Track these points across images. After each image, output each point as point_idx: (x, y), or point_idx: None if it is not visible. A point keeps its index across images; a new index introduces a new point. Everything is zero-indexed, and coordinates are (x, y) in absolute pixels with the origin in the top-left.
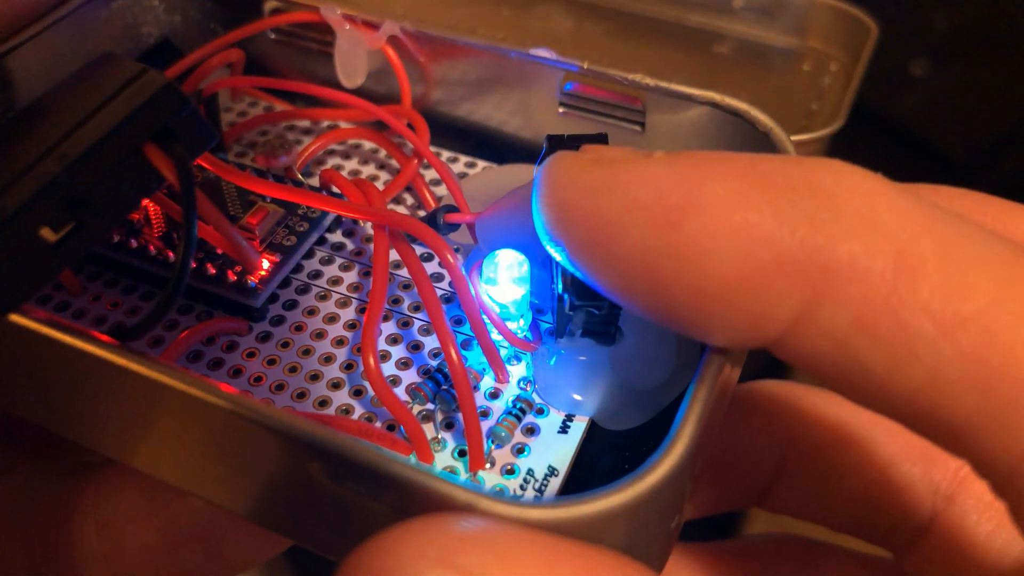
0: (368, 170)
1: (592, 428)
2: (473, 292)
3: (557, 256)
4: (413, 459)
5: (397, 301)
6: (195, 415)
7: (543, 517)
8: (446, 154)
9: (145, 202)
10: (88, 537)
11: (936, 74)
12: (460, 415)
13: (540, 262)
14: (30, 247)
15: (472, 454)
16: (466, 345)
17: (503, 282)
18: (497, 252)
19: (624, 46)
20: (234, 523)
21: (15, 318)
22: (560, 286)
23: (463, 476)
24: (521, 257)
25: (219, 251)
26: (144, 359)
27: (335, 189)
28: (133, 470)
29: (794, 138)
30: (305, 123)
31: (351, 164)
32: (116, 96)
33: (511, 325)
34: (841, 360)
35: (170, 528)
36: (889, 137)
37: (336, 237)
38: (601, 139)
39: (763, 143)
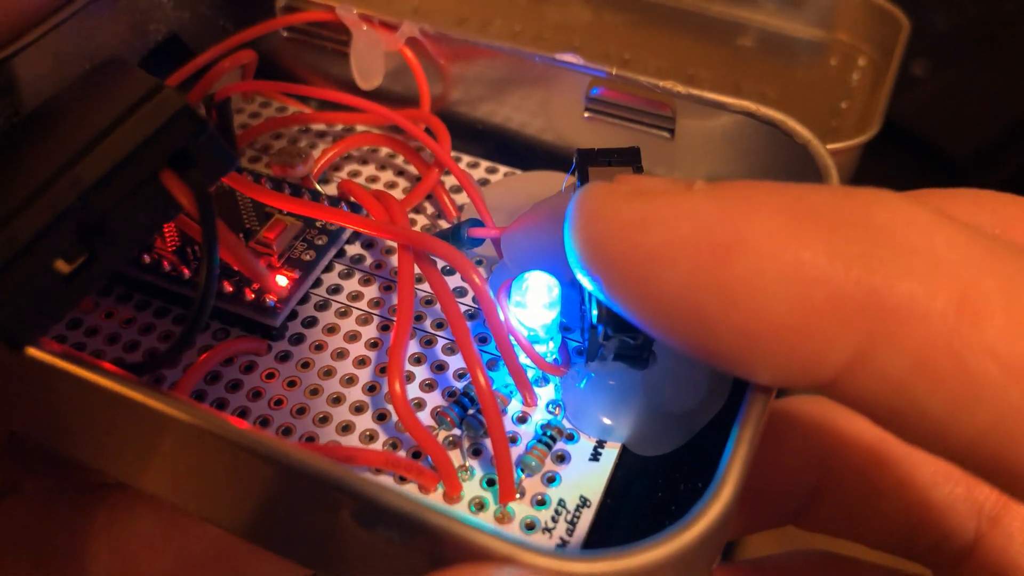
0: (386, 176)
1: (623, 453)
2: (501, 314)
3: (590, 286)
4: (450, 509)
5: (420, 318)
6: (211, 448)
7: (587, 571)
8: (466, 159)
9: None
10: (101, 561)
11: (936, 74)
12: (487, 442)
13: (569, 281)
14: (44, 279)
15: (502, 485)
16: (492, 365)
17: (533, 306)
18: (526, 276)
19: (644, 37)
20: (252, 550)
21: (31, 351)
22: (595, 316)
23: (493, 507)
24: (552, 281)
25: (235, 267)
26: (162, 395)
27: (353, 200)
28: (147, 495)
29: (829, 147)
30: (320, 126)
31: (368, 170)
32: (131, 114)
33: (539, 348)
34: (898, 404)
35: (186, 554)
36: (889, 137)
37: (355, 249)
38: (634, 153)
39: (799, 154)
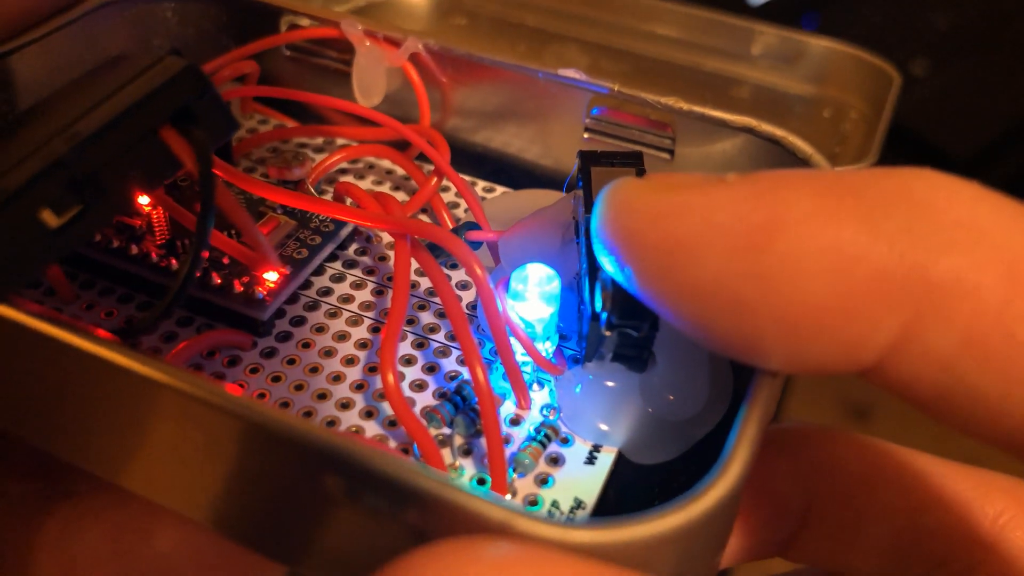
0: (383, 190)
1: (620, 461)
2: (500, 306)
3: (617, 278)
4: (441, 473)
5: (412, 321)
6: (199, 420)
7: (587, 540)
8: (463, 178)
9: (148, 209)
10: (48, 574)
11: (936, 74)
12: (479, 442)
13: (566, 283)
14: (29, 231)
15: (494, 482)
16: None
17: (532, 298)
18: (527, 266)
19: (640, 87)
20: (202, 569)
21: (5, 310)
22: (599, 304)
23: None
24: (551, 272)
25: (225, 260)
26: (146, 358)
27: (350, 203)
28: (101, 504)
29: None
30: (318, 141)
31: (365, 184)
32: (135, 79)
33: (537, 346)
34: (947, 384)
35: (130, 573)
36: (889, 137)
37: (348, 255)
38: (636, 158)
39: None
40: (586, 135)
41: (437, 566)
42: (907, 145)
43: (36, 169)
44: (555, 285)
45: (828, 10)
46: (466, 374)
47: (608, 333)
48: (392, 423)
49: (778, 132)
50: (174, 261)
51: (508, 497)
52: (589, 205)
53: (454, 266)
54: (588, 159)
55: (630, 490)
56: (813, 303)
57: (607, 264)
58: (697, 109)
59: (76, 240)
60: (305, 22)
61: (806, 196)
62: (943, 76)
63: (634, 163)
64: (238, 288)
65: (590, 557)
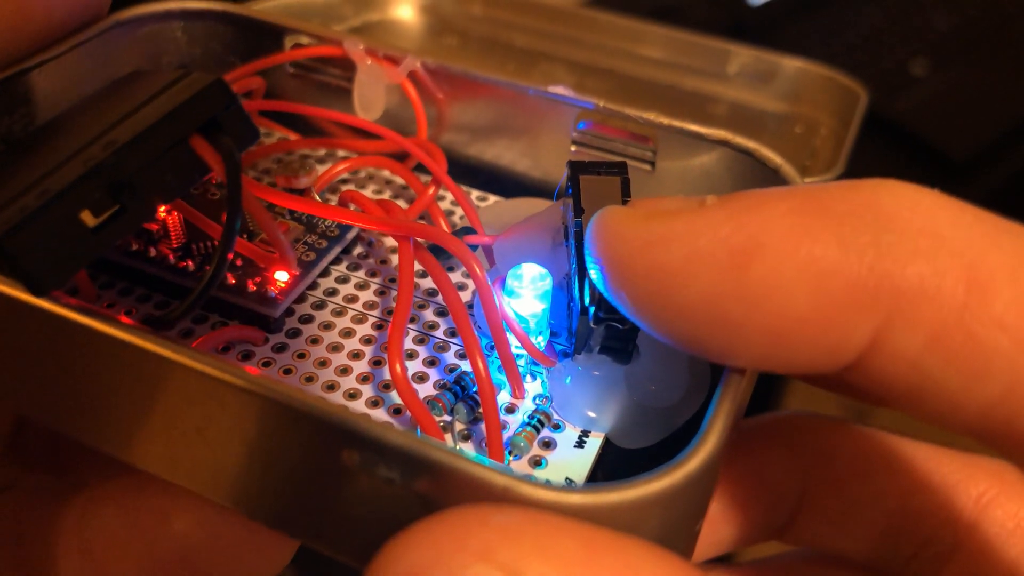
0: (384, 198)
1: (607, 446)
2: (497, 301)
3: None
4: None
5: (413, 319)
6: (224, 400)
7: (582, 503)
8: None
9: (164, 214)
10: (71, 561)
11: (936, 74)
12: (478, 428)
13: (556, 284)
14: (71, 230)
15: (492, 458)
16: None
17: (526, 295)
18: (521, 265)
19: (622, 105)
20: (218, 549)
21: (45, 303)
22: (588, 298)
23: None
24: (544, 271)
25: (238, 262)
26: (175, 344)
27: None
28: (117, 489)
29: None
30: (320, 153)
31: (367, 193)
32: (165, 91)
33: (531, 340)
34: (915, 381)
35: (149, 555)
36: (889, 137)
37: (352, 257)
38: (621, 167)
39: (773, 180)
40: (573, 148)
41: (447, 530)
42: (907, 145)
43: (79, 172)
44: (547, 283)
45: (828, 10)
46: (464, 367)
47: (595, 326)
48: (397, 411)
49: (751, 144)
50: (190, 263)
51: None
52: (578, 210)
53: (451, 268)
54: (576, 168)
55: (616, 472)
56: (794, 316)
57: (600, 286)
58: (676, 124)
59: (112, 240)
60: (308, 40)
61: (780, 216)
62: (943, 76)
63: (619, 172)
64: (251, 287)
65: (585, 521)
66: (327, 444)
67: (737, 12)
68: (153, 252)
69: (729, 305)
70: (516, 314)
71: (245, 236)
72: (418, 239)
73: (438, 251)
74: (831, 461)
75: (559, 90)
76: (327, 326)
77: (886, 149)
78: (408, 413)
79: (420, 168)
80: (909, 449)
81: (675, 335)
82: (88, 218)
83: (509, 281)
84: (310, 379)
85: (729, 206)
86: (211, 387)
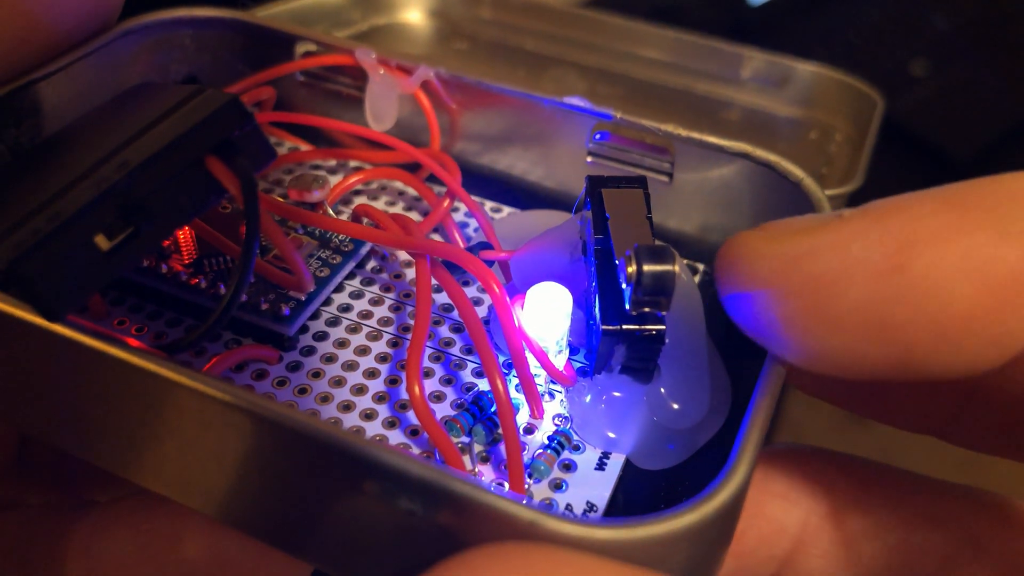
0: (396, 211)
1: (628, 468)
2: (516, 321)
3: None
4: (472, 476)
5: (429, 336)
6: (241, 429)
7: (610, 538)
8: (472, 199)
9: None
10: None
11: (936, 74)
12: (496, 449)
13: (575, 299)
14: (84, 254)
15: (513, 486)
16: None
17: (546, 315)
18: (541, 284)
19: (635, 110)
20: (231, 571)
21: (58, 328)
22: (623, 279)
23: None
24: (564, 290)
25: (251, 279)
26: (190, 371)
27: (367, 223)
28: (127, 511)
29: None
30: (331, 163)
31: (379, 205)
32: (178, 109)
33: (550, 359)
34: None
35: None
36: (889, 137)
37: (366, 272)
38: (640, 181)
39: (794, 194)
40: (589, 159)
41: (495, 566)
42: (907, 145)
43: (91, 195)
44: (568, 302)
45: (828, 10)
46: (481, 385)
47: (634, 312)
48: (414, 432)
49: (772, 158)
50: (202, 279)
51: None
52: (598, 226)
53: (466, 283)
54: (596, 183)
55: (637, 494)
56: (959, 310)
57: (743, 323)
58: (695, 136)
59: (125, 263)
60: (319, 49)
61: (929, 214)
62: (943, 76)
63: (639, 186)
64: (264, 305)
65: (625, 563)
66: (346, 473)
67: (737, 12)
68: (165, 269)
69: (889, 308)
70: (535, 334)
71: (263, 253)
72: (435, 256)
73: (454, 265)
74: (831, 494)
75: (575, 101)
76: (342, 343)
77: (886, 149)
78: (426, 434)
79: (433, 178)
80: (909, 483)
81: (830, 352)
82: (102, 241)
83: (528, 301)
84: (325, 399)
85: (872, 213)
86: (227, 414)
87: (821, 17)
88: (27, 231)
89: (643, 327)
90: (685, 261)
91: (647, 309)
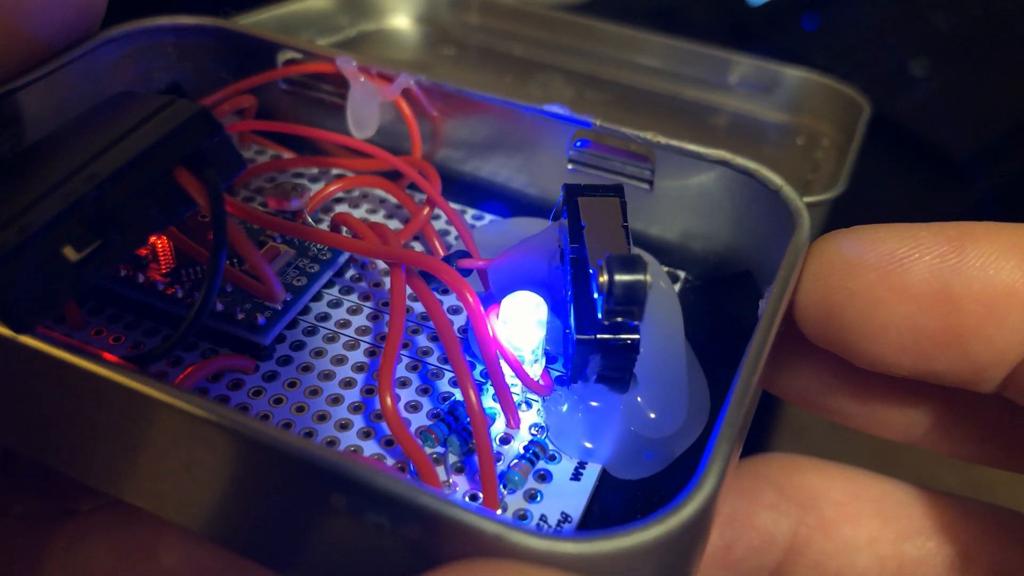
0: (376, 219)
1: (604, 477)
2: (491, 331)
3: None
4: (440, 490)
5: (406, 345)
6: (210, 441)
7: (577, 552)
8: (453, 206)
9: (153, 238)
10: None
11: (936, 74)
12: (471, 459)
13: (551, 308)
14: (52, 266)
15: (486, 497)
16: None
17: (521, 324)
18: (515, 293)
19: (622, 116)
20: None
21: (28, 340)
22: (595, 289)
23: None
24: (539, 299)
25: (227, 288)
26: (160, 383)
27: (346, 232)
28: (106, 521)
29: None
30: (313, 171)
31: (359, 213)
32: (147, 120)
33: (526, 369)
34: None
35: None
36: (889, 137)
37: (344, 281)
38: (617, 190)
39: (773, 201)
40: (570, 166)
41: None
42: (907, 145)
43: (59, 207)
44: (543, 311)
45: (828, 10)
46: (458, 395)
47: (606, 322)
48: (389, 442)
49: (751, 165)
50: (179, 289)
51: (499, 512)
52: (574, 235)
53: (446, 291)
54: (572, 191)
55: (614, 504)
56: (1005, 285)
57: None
58: (675, 143)
59: (94, 275)
60: (301, 56)
61: (981, 224)
62: (943, 76)
63: (616, 194)
64: (240, 315)
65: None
66: (315, 486)
67: (737, 12)
68: (142, 278)
69: (950, 277)
70: (510, 344)
71: (234, 261)
72: (411, 266)
73: (432, 276)
74: (821, 504)
75: (555, 109)
76: (318, 353)
77: (886, 149)
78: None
79: (415, 186)
80: (901, 494)
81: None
82: (70, 253)
83: (504, 311)
84: (301, 409)
85: (933, 225)
86: (196, 427)
87: (821, 17)
88: None
89: (617, 336)
90: (666, 268)
91: (620, 319)
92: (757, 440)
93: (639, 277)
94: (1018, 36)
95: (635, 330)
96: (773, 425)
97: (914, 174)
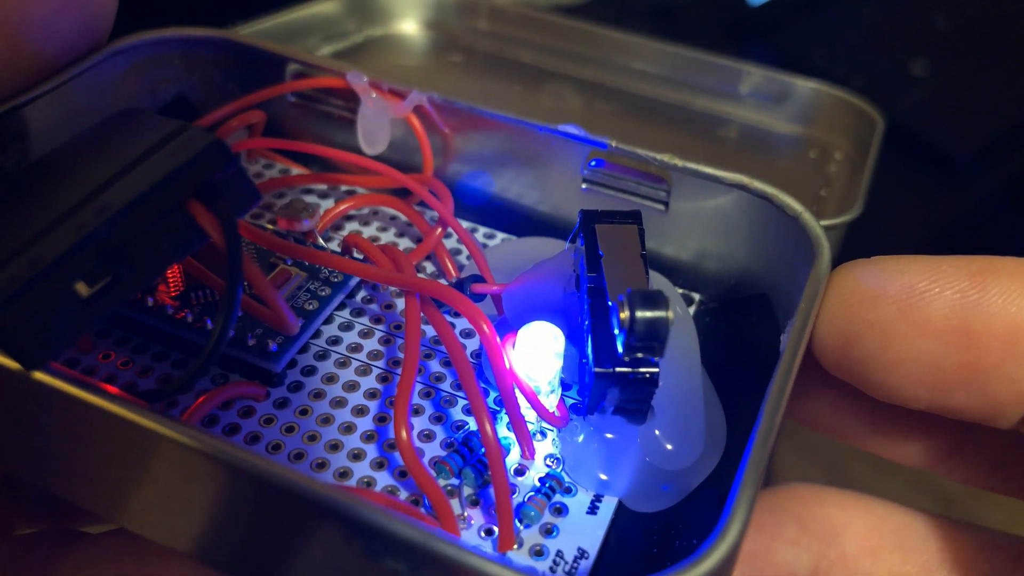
0: (387, 237)
1: (621, 510)
2: (507, 363)
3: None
4: (459, 539)
5: (419, 370)
6: (219, 479)
7: None
8: (465, 224)
9: None
10: None
11: (936, 74)
12: (486, 491)
13: (567, 335)
14: (63, 301)
15: (502, 533)
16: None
17: (538, 356)
18: (533, 324)
19: (632, 126)
20: None
21: (40, 376)
22: (616, 325)
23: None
24: (557, 330)
25: (257, 292)
26: (170, 420)
27: (357, 254)
28: (115, 547)
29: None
30: (322, 187)
31: (370, 231)
32: (159, 149)
33: (542, 400)
34: None
35: None
36: (889, 137)
37: (356, 302)
38: (636, 217)
39: (790, 226)
40: (584, 186)
41: None
42: (907, 145)
43: (71, 242)
44: (560, 343)
45: (828, 10)
46: (472, 424)
47: (627, 358)
48: (403, 474)
49: (769, 190)
50: (188, 313)
51: (515, 548)
52: (591, 264)
53: (457, 312)
54: (590, 217)
55: (630, 537)
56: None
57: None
58: (691, 166)
59: (107, 309)
60: (312, 71)
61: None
62: (943, 76)
63: (634, 221)
64: (251, 341)
65: None
66: (332, 532)
67: (737, 12)
68: (151, 301)
69: (971, 309)
70: (526, 375)
71: (245, 286)
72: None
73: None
74: (842, 538)
75: (569, 129)
76: (330, 379)
77: (886, 149)
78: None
79: (426, 203)
80: (922, 526)
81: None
82: (82, 288)
83: (520, 342)
84: (312, 438)
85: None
86: (204, 463)
87: (821, 18)
88: (4, 279)
89: (636, 370)
90: (680, 290)
91: (640, 355)
92: None
93: (661, 314)
94: (1018, 36)
95: (655, 364)
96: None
97: (914, 174)
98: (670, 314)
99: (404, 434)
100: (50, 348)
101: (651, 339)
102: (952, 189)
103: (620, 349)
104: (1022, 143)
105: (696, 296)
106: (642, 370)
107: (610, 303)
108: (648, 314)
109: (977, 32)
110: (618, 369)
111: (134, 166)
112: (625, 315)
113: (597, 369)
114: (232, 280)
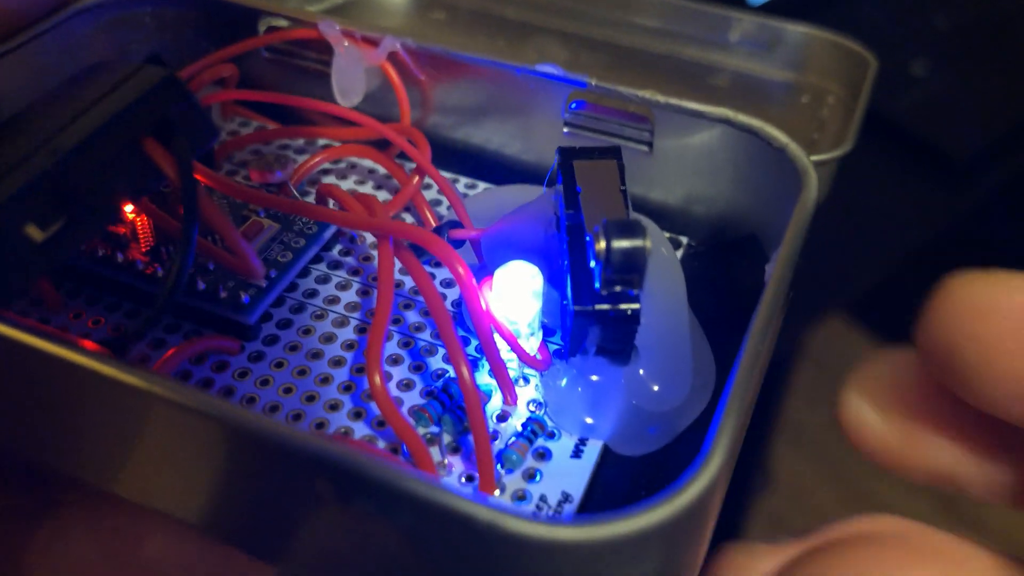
0: (365, 189)
1: (606, 454)
2: (484, 304)
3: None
4: (429, 475)
5: (397, 320)
6: (190, 428)
7: (574, 538)
8: (446, 175)
9: (132, 216)
10: None
11: (936, 74)
12: (466, 438)
13: (548, 279)
14: (14, 246)
15: (482, 478)
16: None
17: (516, 296)
18: (509, 263)
19: (620, 78)
20: (192, 572)
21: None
22: (592, 257)
23: None
24: (534, 269)
25: (210, 266)
26: (140, 370)
27: (332, 204)
28: (89, 512)
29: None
30: (299, 142)
31: (347, 184)
32: (114, 90)
33: (522, 343)
34: None
35: None
36: (889, 137)
37: (332, 255)
38: (615, 152)
39: (778, 160)
40: (566, 129)
41: None
42: (907, 145)
43: (19, 184)
44: (538, 282)
45: (829, 10)
46: (452, 372)
47: (604, 292)
48: (381, 423)
49: (754, 123)
50: (159, 268)
51: (496, 493)
52: (569, 200)
53: (438, 264)
54: (567, 155)
55: (616, 482)
56: None
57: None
58: (674, 101)
59: (62, 253)
60: (283, 23)
61: None
62: (943, 76)
63: (613, 157)
64: (223, 293)
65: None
66: (301, 475)
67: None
68: (121, 258)
69: None
70: (505, 317)
71: (216, 238)
72: (399, 238)
73: (423, 249)
74: None
75: (547, 69)
76: (306, 331)
77: (886, 149)
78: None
79: (405, 155)
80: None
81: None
82: (35, 232)
83: (497, 282)
84: (288, 390)
85: None
86: (174, 413)
87: (821, 18)
88: None
89: (616, 307)
90: (668, 235)
91: (619, 288)
92: (757, 440)
93: (638, 243)
94: (1018, 36)
95: (635, 299)
96: (773, 425)
97: (914, 174)
98: (648, 243)
99: (378, 379)
100: (4, 293)
101: (629, 270)
102: (952, 189)
103: (597, 284)
104: (1022, 143)
105: (684, 240)
106: (622, 307)
107: (587, 237)
108: (625, 243)
109: (977, 32)
110: (597, 307)
111: (88, 108)
112: (601, 246)
113: (576, 307)
114: (188, 216)
